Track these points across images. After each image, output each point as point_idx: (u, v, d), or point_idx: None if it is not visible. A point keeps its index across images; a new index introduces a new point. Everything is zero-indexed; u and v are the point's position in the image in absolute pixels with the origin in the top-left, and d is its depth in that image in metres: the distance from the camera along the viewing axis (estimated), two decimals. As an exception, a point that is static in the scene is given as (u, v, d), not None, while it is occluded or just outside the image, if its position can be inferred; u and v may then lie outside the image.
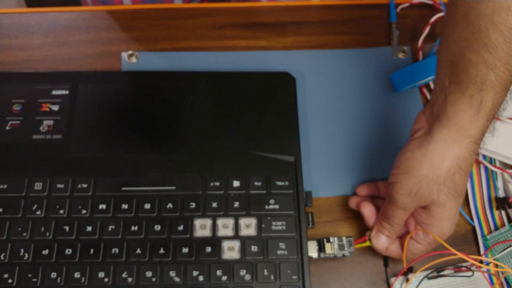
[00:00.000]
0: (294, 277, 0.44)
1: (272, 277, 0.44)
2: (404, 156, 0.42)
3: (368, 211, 0.46)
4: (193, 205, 0.47)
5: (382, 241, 0.45)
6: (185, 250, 0.45)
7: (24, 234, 0.45)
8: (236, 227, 0.46)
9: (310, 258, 0.45)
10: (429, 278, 0.45)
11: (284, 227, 0.46)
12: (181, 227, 0.46)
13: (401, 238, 0.46)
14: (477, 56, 0.39)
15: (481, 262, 0.46)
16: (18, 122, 0.50)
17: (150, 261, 0.44)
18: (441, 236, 0.43)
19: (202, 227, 0.46)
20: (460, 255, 0.42)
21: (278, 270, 0.44)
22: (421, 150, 0.41)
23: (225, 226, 0.46)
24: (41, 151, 0.49)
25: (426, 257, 0.44)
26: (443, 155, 0.40)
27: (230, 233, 0.46)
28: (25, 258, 0.44)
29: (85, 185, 0.47)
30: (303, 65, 0.56)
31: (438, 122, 0.41)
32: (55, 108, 0.51)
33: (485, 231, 0.48)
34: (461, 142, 0.40)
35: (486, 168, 0.50)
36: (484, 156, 0.51)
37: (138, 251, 0.44)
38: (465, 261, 0.43)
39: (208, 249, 0.45)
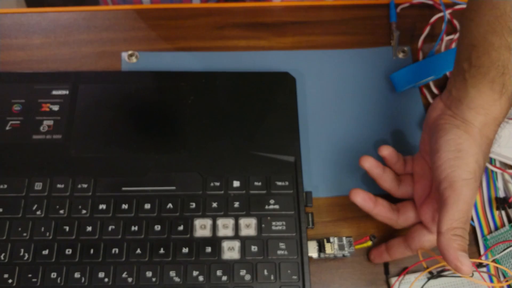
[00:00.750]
0: (294, 277, 0.44)
1: (272, 277, 0.44)
2: (445, 139, 0.40)
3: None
4: (193, 205, 0.47)
5: (467, 261, 0.37)
6: (185, 250, 0.45)
7: (24, 234, 0.45)
8: (236, 227, 0.46)
9: (310, 258, 0.45)
10: (430, 279, 0.45)
11: (284, 227, 0.46)
12: (181, 227, 0.46)
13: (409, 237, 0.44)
14: (500, 40, 0.38)
15: (480, 264, 0.46)
16: (18, 122, 0.50)
17: (150, 261, 0.44)
18: (466, 211, 0.38)
19: (202, 227, 0.46)
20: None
21: (278, 270, 0.44)
22: (461, 130, 0.39)
23: (225, 226, 0.46)
24: (41, 151, 0.49)
25: (428, 260, 0.44)
26: (481, 134, 0.39)
27: (230, 233, 0.46)
28: (25, 258, 0.44)
29: (85, 185, 0.47)
30: (303, 65, 0.56)
31: (461, 105, 0.40)
32: (55, 108, 0.51)
33: (485, 231, 0.48)
34: (489, 124, 0.39)
35: (486, 168, 0.50)
36: (484, 156, 0.51)
37: (138, 251, 0.44)
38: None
39: (208, 249, 0.45)
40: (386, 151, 0.47)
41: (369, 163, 0.46)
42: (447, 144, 0.39)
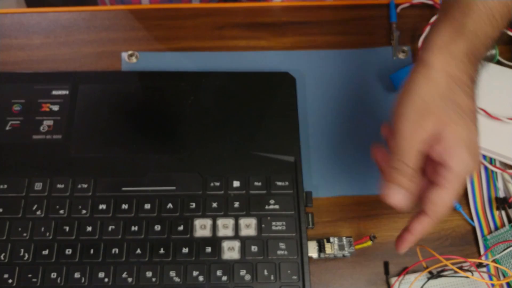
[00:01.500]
0: (294, 277, 0.44)
1: (272, 277, 0.44)
2: (401, 86, 0.40)
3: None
4: (193, 205, 0.47)
5: (398, 195, 0.38)
6: (185, 250, 0.45)
7: (24, 234, 0.45)
8: (236, 227, 0.46)
9: (310, 258, 0.45)
10: (429, 278, 0.45)
11: (284, 227, 0.46)
12: (181, 227, 0.46)
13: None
14: None
15: (480, 264, 0.46)
16: (18, 122, 0.50)
17: (150, 261, 0.44)
18: (463, 169, 0.37)
19: (202, 227, 0.46)
20: (456, 259, 0.41)
21: (278, 270, 0.44)
22: (415, 73, 0.39)
23: (225, 226, 0.46)
24: (41, 151, 0.49)
25: (428, 260, 0.44)
26: (437, 73, 0.39)
27: (230, 233, 0.46)
28: (25, 258, 0.44)
29: (85, 185, 0.47)
30: (303, 65, 0.56)
31: (423, 49, 0.40)
32: (55, 108, 0.51)
33: (485, 231, 0.48)
34: (448, 61, 0.39)
35: (486, 168, 0.50)
36: (484, 156, 0.51)
37: (138, 251, 0.44)
38: (465, 261, 0.43)
39: (208, 249, 0.45)
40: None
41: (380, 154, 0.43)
42: (401, 89, 0.40)
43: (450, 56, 0.39)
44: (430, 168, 0.40)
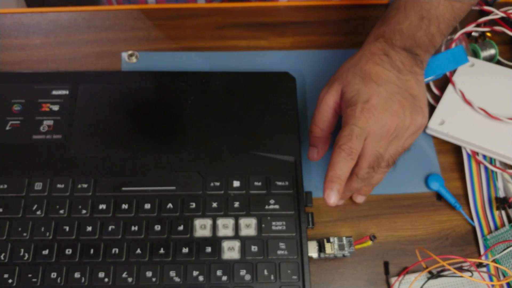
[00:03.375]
0: (294, 277, 0.44)
1: (272, 277, 0.44)
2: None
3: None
4: (193, 205, 0.47)
5: (313, 154, 0.47)
6: (185, 250, 0.45)
7: (24, 234, 0.45)
8: (236, 227, 0.46)
9: (310, 258, 0.45)
10: (429, 278, 0.45)
11: (284, 227, 0.46)
12: (181, 227, 0.46)
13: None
14: None
15: (480, 264, 0.46)
16: (18, 122, 0.50)
17: (150, 261, 0.44)
18: (384, 132, 0.42)
19: (202, 227, 0.46)
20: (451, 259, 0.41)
21: (278, 270, 0.44)
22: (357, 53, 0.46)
23: (225, 226, 0.46)
24: (41, 151, 0.49)
25: (428, 260, 0.44)
26: (357, 53, 0.46)
27: (230, 233, 0.46)
28: (25, 258, 0.44)
29: (85, 185, 0.47)
30: (303, 65, 0.56)
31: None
32: (55, 108, 0.51)
33: (485, 231, 0.48)
34: (372, 42, 0.46)
35: (486, 168, 0.50)
36: (484, 156, 0.51)
37: (138, 251, 0.44)
38: (465, 261, 0.43)
39: (208, 249, 0.45)
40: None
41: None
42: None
43: (375, 40, 0.46)
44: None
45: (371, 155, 0.42)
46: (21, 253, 0.44)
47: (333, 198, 0.40)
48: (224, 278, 0.44)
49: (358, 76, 0.43)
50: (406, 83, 0.44)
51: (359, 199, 0.49)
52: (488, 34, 0.59)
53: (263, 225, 0.46)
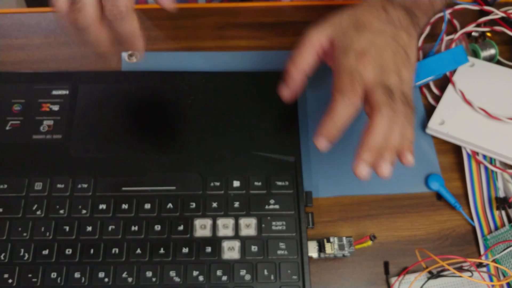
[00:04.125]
0: (294, 277, 0.44)
1: (272, 277, 0.44)
2: None
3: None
4: (193, 205, 0.47)
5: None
6: (185, 250, 0.45)
7: (24, 234, 0.45)
8: (236, 227, 0.46)
9: (310, 258, 0.45)
10: (429, 278, 0.45)
11: (284, 227, 0.46)
12: (181, 227, 0.46)
13: None
14: None
15: (480, 264, 0.46)
16: (18, 122, 0.50)
17: (150, 261, 0.44)
18: (348, 67, 0.41)
19: (202, 227, 0.46)
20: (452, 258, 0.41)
21: (278, 270, 0.44)
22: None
23: (225, 226, 0.46)
24: (41, 151, 0.49)
25: (428, 260, 0.44)
26: (357, 5, 0.45)
27: (230, 233, 0.46)
28: (25, 258, 0.44)
29: (85, 185, 0.47)
30: (303, 65, 0.56)
31: None
32: (55, 108, 0.51)
33: (485, 231, 0.48)
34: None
35: (486, 168, 0.50)
36: (484, 156, 0.51)
37: (138, 251, 0.44)
38: (465, 261, 0.43)
39: (208, 249, 0.45)
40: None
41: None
42: None
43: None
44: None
45: (377, 88, 0.41)
46: (21, 253, 0.44)
47: (324, 144, 0.41)
48: (224, 278, 0.44)
49: (353, 25, 0.43)
50: (401, 40, 0.43)
51: (385, 168, 0.42)
52: (488, 34, 0.59)
53: (263, 225, 0.46)
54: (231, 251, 0.45)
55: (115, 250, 0.44)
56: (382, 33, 0.42)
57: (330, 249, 0.45)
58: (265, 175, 0.48)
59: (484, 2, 0.59)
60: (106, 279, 0.43)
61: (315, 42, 0.44)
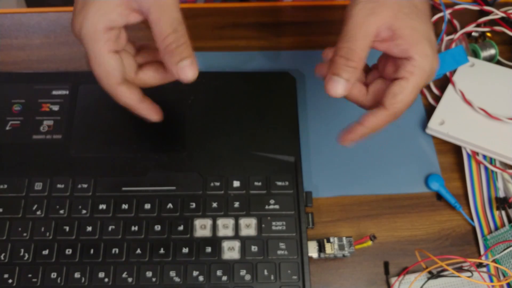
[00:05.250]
0: (294, 277, 0.44)
1: (272, 277, 0.44)
2: None
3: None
4: (193, 205, 0.47)
5: (339, 86, 0.39)
6: (185, 250, 0.45)
7: (24, 234, 0.45)
8: (236, 227, 0.46)
9: (310, 258, 0.45)
10: (429, 278, 0.45)
11: (284, 227, 0.46)
12: (181, 227, 0.46)
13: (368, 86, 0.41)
14: None
15: (480, 264, 0.46)
16: (18, 122, 0.50)
17: (150, 261, 0.44)
18: (427, 63, 0.37)
19: (202, 227, 0.46)
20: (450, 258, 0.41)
21: (278, 270, 0.44)
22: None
23: (225, 226, 0.46)
24: (41, 151, 0.49)
25: (428, 260, 0.44)
26: None
27: (230, 233, 0.46)
28: (25, 258, 0.44)
29: (85, 185, 0.47)
30: (303, 65, 0.56)
31: None
32: (55, 108, 0.51)
33: (485, 231, 0.48)
34: None
35: (486, 168, 0.50)
36: (484, 156, 0.51)
37: (138, 251, 0.44)
38: (465, 261, 0.43)
39: (208, 249, 0.45)
40: (330, 52, 0.42)
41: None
42: None
43: None
44: (390, 67, 0.40)
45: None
46: (21, 253, 0.44)
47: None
48: (224, 278, 0.44)
49: (410, 9, 0.37)
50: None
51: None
52: (488, 34, 0.59)
53: (263, 225, 0.46)
54: (231, 251, 0.45)
55: (115, 250, 0.44)
56: (427, 16, 0.39)
57: (330, 249, 0.45)
58: (265, 175, 0.48)
59: (484, 2, 0.59)
60: (106, 279, 0.43)
61: (371, 31, 0.38)
